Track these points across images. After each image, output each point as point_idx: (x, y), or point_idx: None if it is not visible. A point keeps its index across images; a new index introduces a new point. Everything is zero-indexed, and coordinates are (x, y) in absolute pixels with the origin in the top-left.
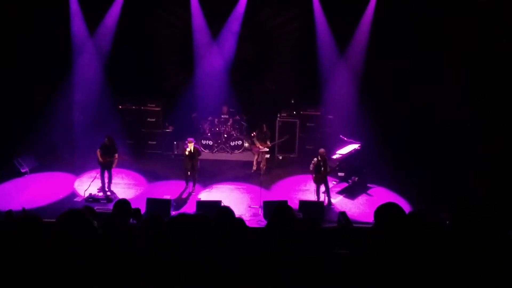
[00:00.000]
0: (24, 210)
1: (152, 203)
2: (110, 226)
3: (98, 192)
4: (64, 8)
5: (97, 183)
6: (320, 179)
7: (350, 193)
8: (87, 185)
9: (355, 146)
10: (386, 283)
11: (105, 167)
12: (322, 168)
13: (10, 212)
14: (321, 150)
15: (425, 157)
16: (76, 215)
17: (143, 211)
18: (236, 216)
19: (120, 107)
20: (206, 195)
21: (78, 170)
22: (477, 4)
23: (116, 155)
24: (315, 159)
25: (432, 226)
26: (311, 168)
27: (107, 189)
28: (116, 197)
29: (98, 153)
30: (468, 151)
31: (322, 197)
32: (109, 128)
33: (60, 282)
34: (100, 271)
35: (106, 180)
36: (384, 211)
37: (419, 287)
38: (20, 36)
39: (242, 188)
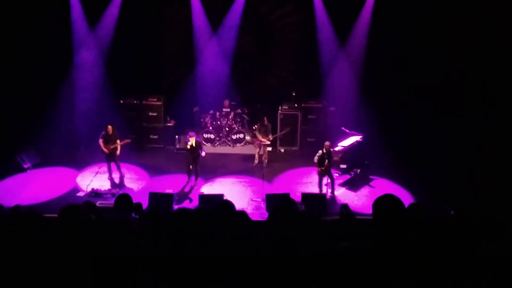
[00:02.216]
0: (17, 206)
1: (155, 197)
2: (111, 221)
3: (109, 186)
4: (65, 2)
5: (99, 178)
6: (324, 172)
7: (352, 185)
8: (90, 180)
9: (357, 138)
10: (387, 276)
11: (111, 158)
12: (326, 161)
13: (17, 207)
14: (327, 142)
15: (427, 149)
16: (74, 210)
17: (145, 205)
18: (238, 209)
19: (122, 101)
20: (208, 188)
21: (80, 165)
22: (478, 1)
23: (119, 141)
24: (320, 151)
25: (432, 218)
26: (315, 160)
27: (117, 181)
28: (125, 188)
29: (101, 143)
30: (470, 143)
31: (325, 189)
32: (111, 122)
33: (58, 278)
34: (97, 267)
35: (114, 173)
36: (382, 203)
37: (420, 280)
38: (21, 32)
39: (244, 181)
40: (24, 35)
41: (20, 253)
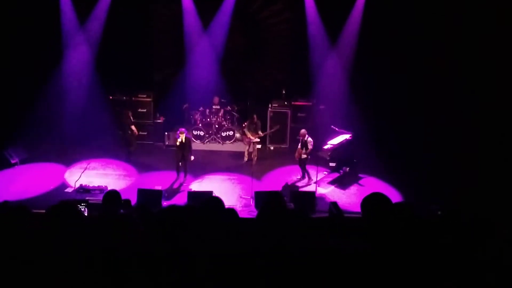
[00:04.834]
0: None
1: (143, 194)
2: (100, 217)
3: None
4: None
5: (88, 174)
6: (301, 160)
7: (341, 183)
8: (78, 176)
9: (346, 136)
10: (376, 274)
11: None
12: (304, 149)
13: (5, 203)
14: (302, 130)
15: (416, 147)
16: (68, 207)
17: (134, 201)
18: (227, 206)
19: (111, 97)
20: (197, 185)
21: (68, 160)
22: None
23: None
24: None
25: (418, 217)
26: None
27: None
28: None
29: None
30: (460, 142)
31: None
32: (100, 118)
33: (48, 274)
34: (88, 263)
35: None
36: (370, 202)
37: (407, 278)
38: (8, 26)
39: (233, 178)
40: (13, 30)
41: (9, 248)
